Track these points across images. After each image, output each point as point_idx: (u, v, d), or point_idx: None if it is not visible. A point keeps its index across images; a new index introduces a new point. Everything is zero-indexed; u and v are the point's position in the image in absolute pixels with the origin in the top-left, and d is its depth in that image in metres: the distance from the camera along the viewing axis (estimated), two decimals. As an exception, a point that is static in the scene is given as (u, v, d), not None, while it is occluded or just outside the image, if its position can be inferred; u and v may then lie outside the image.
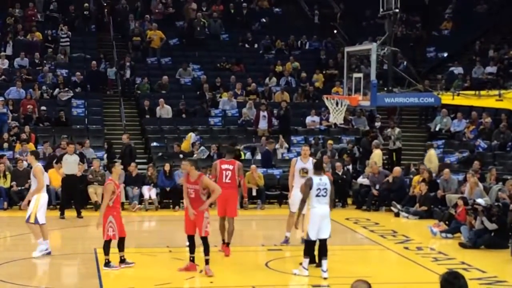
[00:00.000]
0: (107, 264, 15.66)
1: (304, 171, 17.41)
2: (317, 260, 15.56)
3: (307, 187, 14.90)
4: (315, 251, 15.68)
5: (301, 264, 15.19)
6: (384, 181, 25.65)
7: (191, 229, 15.26)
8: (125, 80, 33.32)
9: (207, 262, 15.11)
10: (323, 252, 14.90)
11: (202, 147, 28.54)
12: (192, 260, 15.44)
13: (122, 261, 15.92)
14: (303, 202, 15.04)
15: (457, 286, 6.34)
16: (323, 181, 14.95)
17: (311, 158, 17.96)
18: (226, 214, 17.40)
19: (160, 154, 28.72)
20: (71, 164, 23.58)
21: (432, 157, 27.19)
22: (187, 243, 18.08)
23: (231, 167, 17.45)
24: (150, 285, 14.64)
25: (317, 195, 14.81)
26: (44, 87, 31.78)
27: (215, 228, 20.47)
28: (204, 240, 15.09)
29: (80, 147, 26.53)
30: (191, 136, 29.11)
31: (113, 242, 15.63)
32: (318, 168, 15.37)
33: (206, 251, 15.10)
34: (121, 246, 15.89)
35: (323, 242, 14.93)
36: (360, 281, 6.59)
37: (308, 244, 15.15)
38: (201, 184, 15.02)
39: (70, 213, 23.33)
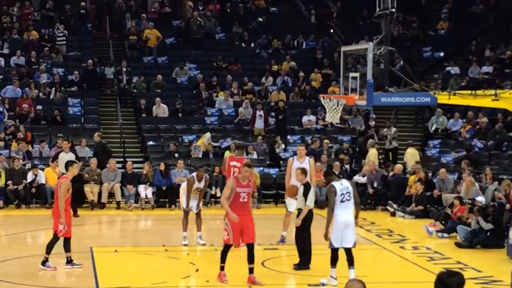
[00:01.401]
0: (44, 262, 15.65)
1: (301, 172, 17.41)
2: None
3: (332, 194, 14.16)
4: (311, 254, 15.73)
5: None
6: (384, 175, 25.78)
7: (238, 240, 14.29)
8: (122, 86, 32.99)
9: (251, 270, 14.40)
10: (350, 262, 14.25)
11: (196, 144, 28.60)
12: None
13: (69, 262, 15.86)
14: (331, 211, 14.17)
15: (449, 284, 6.28)
16: (345, 185, 14.28)
17: (307, 158, 18.04)
18: None
19: (156, 156, 28.72)
20: (63, 163, 23.06)
21: (408, 155, 27.40)
22: (184, 242, 18.17)
23: (238, 164, 17.60)
24: (146, 283, 14.64)
25: (342, 201, 14.10)
26: (43, 81, 31.73)
27: (211, 227, 20.49)
28: (252, 247, 14.39)
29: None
30: (207, 136, 29.00)
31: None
32: (330, 174, 14.84)
33: (252, 259, 14.39)
34: (67, 247, 15.80)
35: (348, 251, 14.30)
36: (355, 280, 6.59)
37: (332, 253, 14.32)
38: (253, 185, 14.31)
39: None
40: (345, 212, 14.15)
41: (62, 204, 15.44)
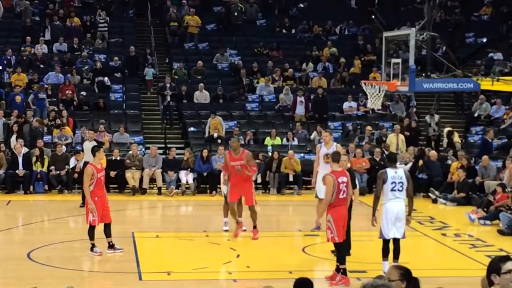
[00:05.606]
0: (92, 248, 15.79)
1: (327, 157, 17.42)
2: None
3: (380, 180, 13.88)
4: (350, 239, 15.65)
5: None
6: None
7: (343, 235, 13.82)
8: (165, 105, 31.03)
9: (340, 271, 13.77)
10: (396, 254, 14.09)
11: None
12: (344, 272, 13.74)
13: (111, 246, 16.01)
14: (376, 198, 14.06)
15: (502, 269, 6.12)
16: (399, 174, 13.92)
17: (335, 144, 18.04)
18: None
19: (196, 142, 28.76)
20: (88, 151, 21.71)
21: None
22: (225, 228, 18.19)
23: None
24: (187, 269, 14.71)
25: (392, 189, 13.80)
26: (85, 68, 31.87)
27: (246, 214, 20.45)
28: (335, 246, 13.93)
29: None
30: (220, 121, 29.00)
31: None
32: (393, 161, 14.50)
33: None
34: (107, 232, 15.95)
35: (397, 243, 14.14)
36: (393, 267, 6.48)
37: (384, 244, 14.10)
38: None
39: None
40: (395, 202, 13.90)
41: (87, 190, 15.66)
